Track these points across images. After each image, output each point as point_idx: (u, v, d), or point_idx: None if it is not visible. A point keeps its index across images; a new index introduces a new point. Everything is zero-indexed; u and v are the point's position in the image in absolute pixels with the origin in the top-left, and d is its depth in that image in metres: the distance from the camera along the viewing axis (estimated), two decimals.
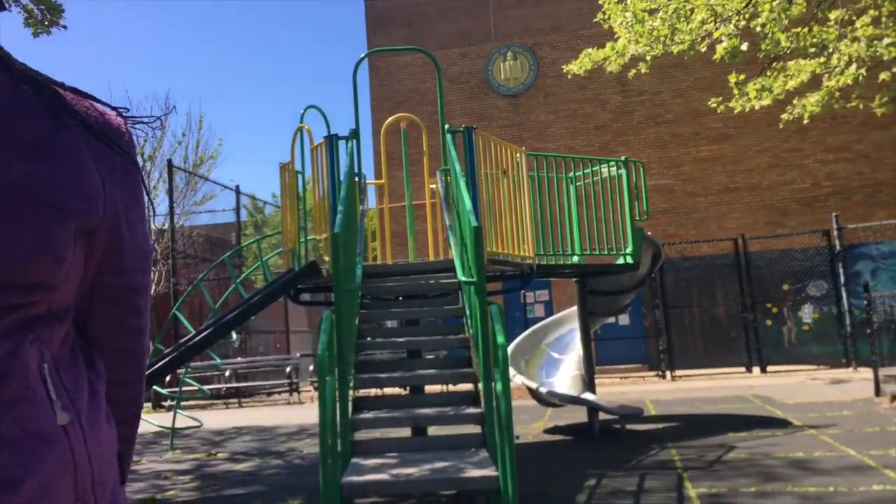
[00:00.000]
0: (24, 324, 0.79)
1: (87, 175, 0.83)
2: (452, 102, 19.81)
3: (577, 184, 8.40)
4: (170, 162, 18.34)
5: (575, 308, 9.71)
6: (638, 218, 8.19)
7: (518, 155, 7.10)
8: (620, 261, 8.27)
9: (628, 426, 8.59)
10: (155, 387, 9.65)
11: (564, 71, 12.71)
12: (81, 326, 0.91)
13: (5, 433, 0.74)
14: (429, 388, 6.86)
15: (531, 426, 9.33)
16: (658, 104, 19.15)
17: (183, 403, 11.05)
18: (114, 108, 0.90)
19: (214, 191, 20.08)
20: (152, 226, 18.62)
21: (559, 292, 18.20)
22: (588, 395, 8.47)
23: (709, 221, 18.40)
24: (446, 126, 6.67)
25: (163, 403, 16.27)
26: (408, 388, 6.81)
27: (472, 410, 4.86)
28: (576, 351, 9.50)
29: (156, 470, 7.93)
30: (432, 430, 6.30)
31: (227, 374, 17.93)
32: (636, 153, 17.23)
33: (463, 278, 5.36)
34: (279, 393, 19.14)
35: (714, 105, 12.20)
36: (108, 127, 0.89)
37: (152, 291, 18.06)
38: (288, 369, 17.90)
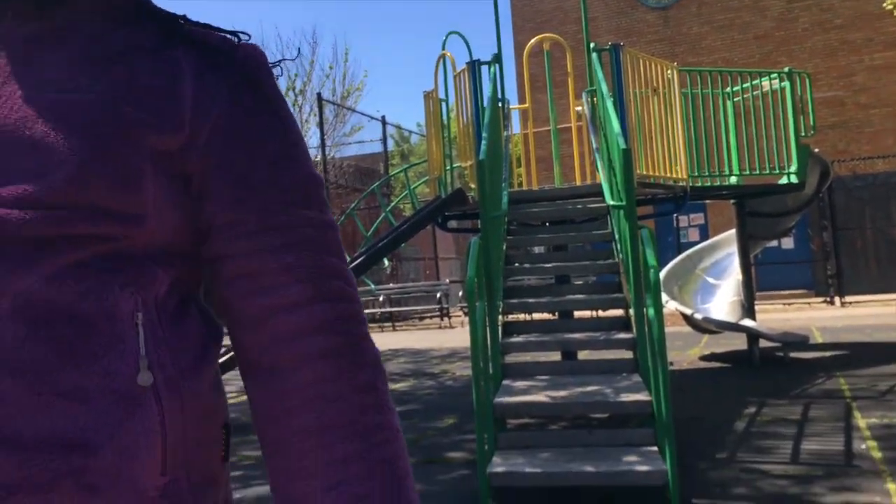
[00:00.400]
0: (110, 263, 0.69)
1: (170, 90, 0.73)
2: (598, 19, 19.02)
3: (735, 99, 7.89)
4: (319, 95, 18.91)
5: (732, 231, 9.26)
6: (803, 134, 7.60)
7: (669, 71, 6.73)
8: (784, 180, 7.75)
9: (792, 354, 8.20)
10: None
11: None
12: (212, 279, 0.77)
13: (87, 388, 0.65)
14: (577, 314, 6.83)
15: (686, 353, 9.12)
16: (825, 9, 17.48)
17: None
18: (230, 32, 0.80)
19: (362, 122, 20.61)
20: None
21: (715, 215, 17.41)
22: (747, 322, 8.13)
23: (883, 136, 16.82)
24: (591, 45, 6.41)
25: None
26: (556, 313, 6.81)
27: (623, 335, 4.80)
28: (734, 276, 9.11)
29: None
30: (582, 356, 6.30)
31: (380, 299, 18.68)
32: (801, 64, 15.92)
33: (611, 202, 5.22)
34: (430, 317, 19.76)
35: (890, 7, 10.98)
36: (212, 40, 0.79)
37: None
38: (438, 295, 18.40)
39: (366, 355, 0.74)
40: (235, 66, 0.78)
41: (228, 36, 0.80)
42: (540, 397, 4.12)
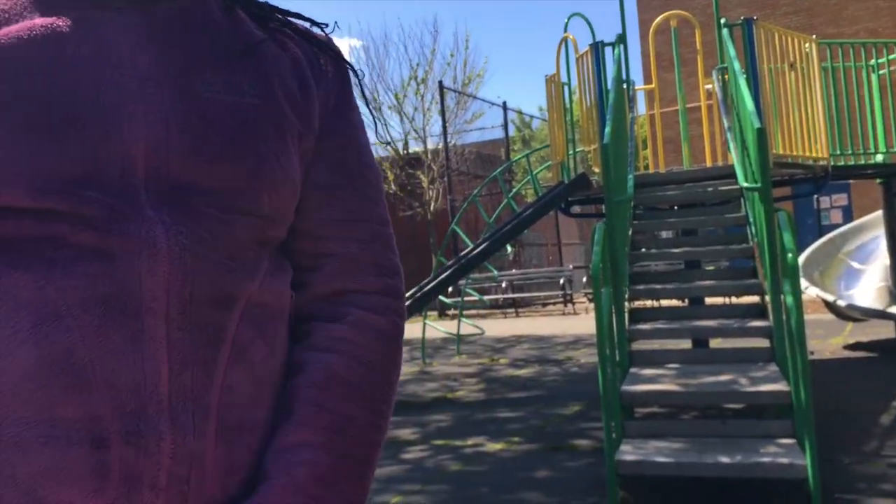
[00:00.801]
0: (277, 262, 0.75)
1: (306, 95, 0.77)
2: None
3: (881, 72, 7.35)
4: (441, 83, 19.10)
5: (878, 213, 8.66)
6: None
7: (807, 45, 6.36)
8: None
9: None
10: (440, 296, 10.39)
11: None
12: None
13: (281, 381, 0.73)
14: (709, 301, 6.61)
15: (827, 341, 8.64)
16: None
17: (465, 312, 11.79)
18: (314, 23, 0.83)
19: (483, 108, 20.55)
20: (429, 146, 19.72)
21: (860, 195, 16.31)
22: None
23: None
24: (722, 20, 6.15)
25: (447, 312, 17.49)
26: (686, 299, 6.61)
27: (758, 323, 4.60)
28: (881, 260, 8.53)
29: (446, 372, 8.61)
30: (714, 344, 6.10)
31: (503, 285, 18.73)
32: None
33: (745, 184, 5.01)
34: (553, 304, 19.64)
35: None
36: (313, 34, 0.83)
37: (431, 208, 19.30)
38: (561, 281, 18.26)
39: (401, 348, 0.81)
40: (339, 62, 0.83)
41: (319, 28, 0.83)
42: (670, 386, 4.03)
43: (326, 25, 0.84)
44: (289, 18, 0.81)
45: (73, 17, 0.68)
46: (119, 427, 0.62)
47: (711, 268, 6.52)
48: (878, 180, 8.07)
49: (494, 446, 4.87)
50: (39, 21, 0.66)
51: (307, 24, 0.83)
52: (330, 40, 0.83)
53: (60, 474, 0.61)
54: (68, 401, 0.61)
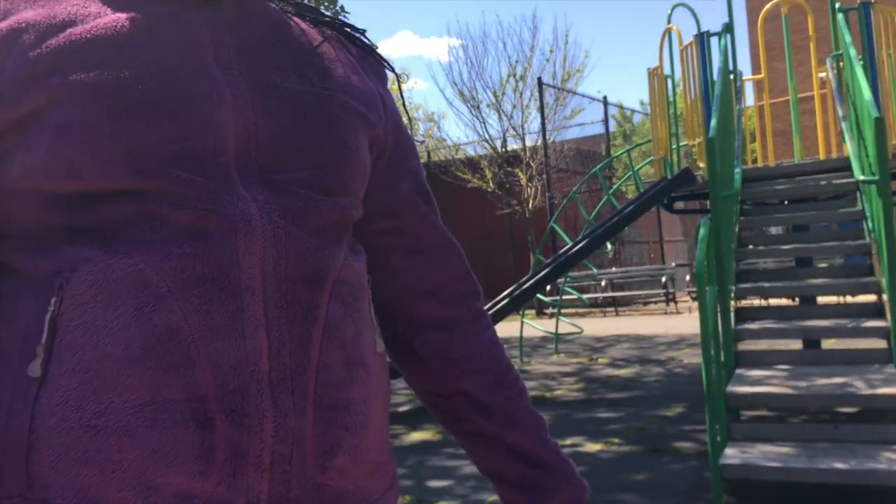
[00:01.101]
0: (353, 244, 0.79)
1: (368, 85, 0.83)
2: None
3: None
4: (539, 80, 18.97)
5: None
6: None
7: None
8: None
9: None
10: (538, 294, 10.33)
11: None
12: None
13: (367, 358, 0.74)
14: (821, 300, 6.30)
15: None
16: None
17: (563, 310, 11.68)
18: (356, 30, 0.88)
19: (582, 104, 20.26)
20: (527, 144, 19.63)
21: None
22: None
23: None
24: (836, 4, 5.85)
25: (545, 311, 17.38)
26: (796, 298, 6.32)
27: (875, 323, 4.36)
28: None
29: (544, 371, 8.57)
30: (826, 345, 5.82)
31: (602, 283, 18.44)
32: None
33: (862, 178, 4.75)
34: (655, 302, 19.19)
35: None
36: (360, 38, 0.88)
37: (530, 206, 19.19)
38: (663, 279, 17.82)
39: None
40: (384, 66, 0.89)
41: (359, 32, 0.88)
42: (778, 388, 3.87)
43: (365, 31, 0.88)
44: (337, 22, 0.86)
45: (156, 10, 0.71)
46: (223, 406, 0.63)
47: (824, 265, 6.22)
48: None
49: (593, 446, 4.81)
50: (124, 14, 0.69)
51: (351, 31, 0.87)
52: (375, 47, 0.89)
53: (168, 457, 0.62)
54: (173, 382, 0.62)
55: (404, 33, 79.35)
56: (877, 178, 3.95)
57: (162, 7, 0.71)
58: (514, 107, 19.72)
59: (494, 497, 3.85)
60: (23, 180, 0.65)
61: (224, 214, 0.65)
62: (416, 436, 5.53)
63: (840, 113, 5.72)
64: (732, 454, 3.53)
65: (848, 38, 5.16)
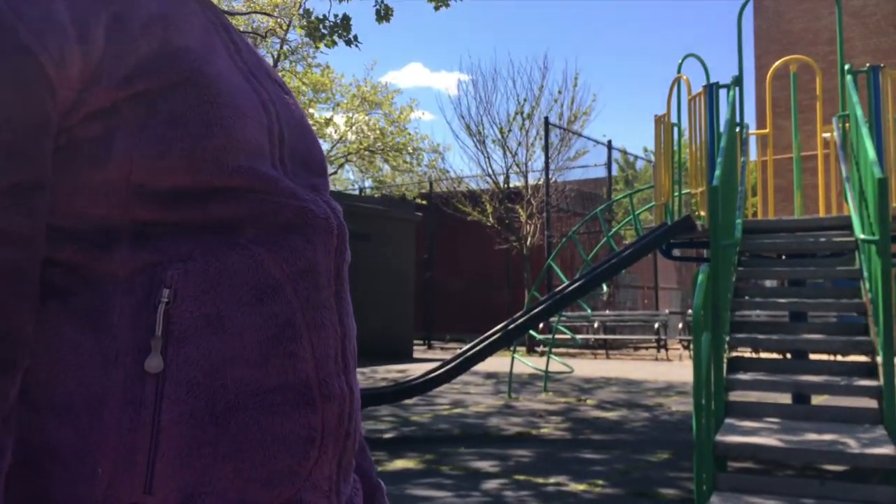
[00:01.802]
0: None
1: None
2: (852, 40, 17.53)
3: None
4: (546, 119, 19.13)
5: None
6: None
7: None
8: None
9: None
10: (531, 331, 10.31)
11: None
12: None
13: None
14: (812, 356, 6.30)
15: None
16: None
17: (554, 349, 11.65)
18: None
19: (587, 146, 20.40)
20: (529, 182, 19.74)
21: None
22: None
23: None
24: (846, 66, 5.94)
25: (536, 348, 17.33)
26: (786, 353, 6.33)
27: (866, 383, 4.36)
28: None
29: (531, 408, 8.52)
30: (816, 401, 5.80)
31: (595, 325, 18.43)
32: None
33: (862, 236, 4.78)
34: (646, 348, 19.15)
35: None
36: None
37: (528, 243, 19.18)
38: (656, 325, 17.81)
39: None
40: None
41: None
42: (768, 440, 3.86)
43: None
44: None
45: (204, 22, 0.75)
46: (320, 391, 0.68)
47: (819, 322, 6.23)
48: None
49: (577, 486, 4.77)
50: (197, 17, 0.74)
51: None
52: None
53: (286, 442, 0.65)
54: (288, 369, 0.66)
55: (415, 65, 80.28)
56: (877, 237, 3.98)
57: (208, 17, 0.76)
58: (520, 144, 19.86)
59: None
60: (120, 171, 0.63)
61: (315, 213, 0.70)
62: (399, 463, 5.48)
63: (843, 172, 5.78)
64: (717, 503, 3.50)
65: (856, 99, 5.24)
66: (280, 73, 21.52)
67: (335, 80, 22.15)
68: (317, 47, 9.96)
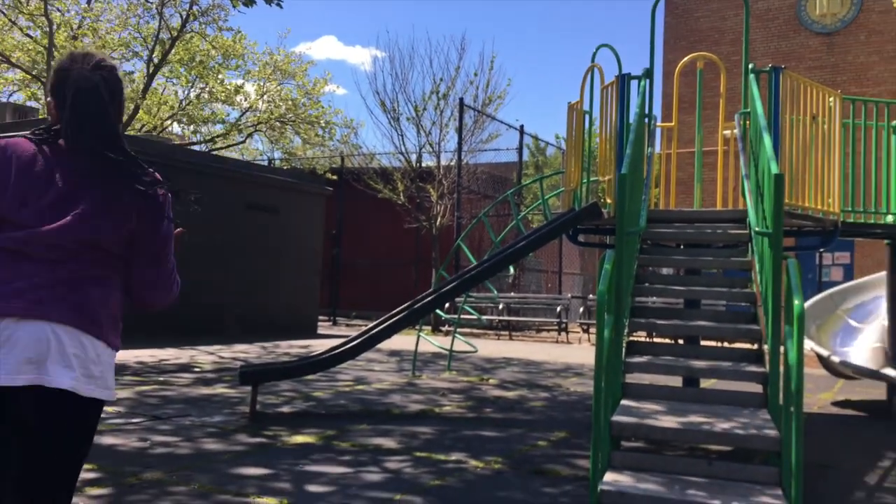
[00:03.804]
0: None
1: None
2: (755, 42, 18.30)
3: None
4: (461, 101, 19.16)
5: (882, 274, 8.66)
6: None
7: (831, 99, 6.39)
8: None
9: None
10: (437, 310, 10.36)
11: None
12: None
13: None
14: (703, 342, 6.59)
15: (817, 396, 8.61)
16: None
17: (460, 329, 11.75)
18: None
19: (500, 130, 20.58)
20: (442, 162, 19.79)
21: (863, 255, 16.33)
22: (890, 371, 7.58)
23: None
24: (750, 65, 6.18)
25: (441, 327, 17.45)
26: (679, 339, 6.58)
27: (754, 368, 4.59)
28: (879, 321, 8.51)
29: (433, 386, 8.57)
30: (705, 384, 6.07)
31: (500, 306, 18.70)
32: None
33: (757, 229, 5.01)
34: (548, 331, 19.60)
35: None
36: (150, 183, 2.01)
37: (437, 223, 19.12)
38: (559, 309, 18.23)
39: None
40: (151, 195, 2.18)
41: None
42: (660, 421, 4.01)
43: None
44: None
45: None
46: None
47: (711, 310, 6.50)
48: (885, 241, 8.06)
49: (475, 464, 4.84)
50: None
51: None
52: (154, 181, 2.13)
53: None
54: None
55: (328, 38, 78.64)
56: (771, 230, 4.17)
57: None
58: (434, 124, 19.84)
59: None
60: None
61: None
62: (298, 439, 5.41)
63: (743, 168, 6.02)
64: (611, 481, 3.62)
65: (757, 97, 5.45)
66: (188, 35, 20.53)
67: (247, 47, 21.50)
68: (234, 5, 9.57)
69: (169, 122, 22.62)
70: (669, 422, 4.00)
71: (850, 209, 6.95)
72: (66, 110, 1.93)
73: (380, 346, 9.13)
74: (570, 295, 20.56)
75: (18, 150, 1.93)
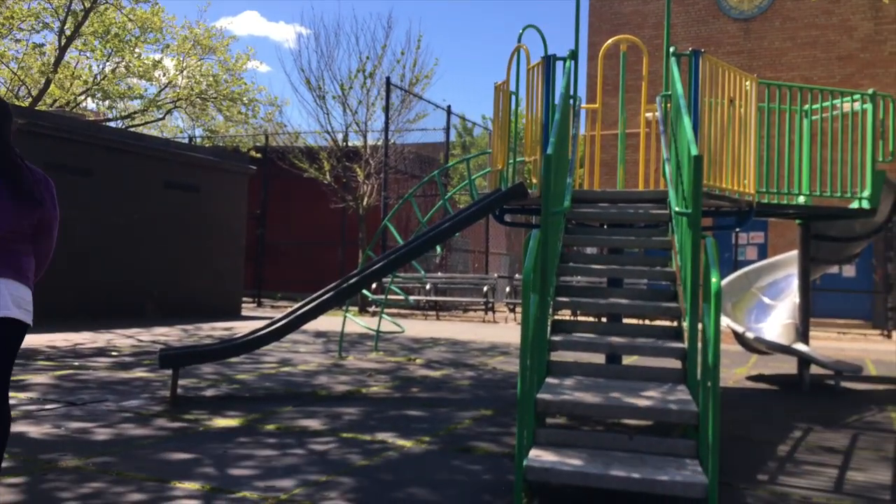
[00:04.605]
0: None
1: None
2: (676, 26, 18.70)
3: (813, 118, 7.67)
4: (388, 80, 18.99)
5: (794, 253, 9.04)
6: (881, 159, 7.37)
7: (748, 83, 6.59)
8: (854, 205, 7.52)
9: (843, 384, 7.97)
10: (364, 291, 10.29)
11: None
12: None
13: None
14: (625, 319, 6.74)
15: (732, 371, 8.95)
16: None
17: (387, 310, 11.72)
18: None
19: (427, 110, 20.50)
20: (368, 142, 19.61)
21: (777, 235, 17.01)
22: (800, 346, 7.93)
23: None
24: (671, 49, 6.30)
25: (368, 308, 17.37)
26: (602, 317, 6.72)
27: (673, 345, 4.72)
28: (791, 298, 8.89)
29: (360, 367, 8.53)
30: (627, 361, 6.22)
31: (427, 286, 18.73)
32: (885, 88, 15.40)
33: (677, 209, 5.13)
34: (475, 310, 19.76)
35: None
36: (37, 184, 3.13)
37: (364, 203, 18.95)
38: (485, 288, 18.38)
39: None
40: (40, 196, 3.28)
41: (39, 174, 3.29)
42: (584, 397, 4.08)
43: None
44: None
45: None
46: None
47: (633, 288, 6.65)
48: (797, 221, 8.41)
49: (403, 443, 4.84)
50: None
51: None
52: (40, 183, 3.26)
53: None
54: None
55: (250, 13, 76.59)
56: (690, 211, 4.28)
57: None
58: (360, 103, 19.61)
59: (298, 488, 3.76)
60: None
61: None
62: (221, 422, 5.31)
63: (664, 149, 6.15)
64: (536, 457, 3.66)
65: (678, 80, 5.57)
66: (103, 7, 19.66)
67: (166, 20, 20.74)
68: None
69: (83, 97, 21.67)
70: (592, 398, 4.08)
71: (764, 190, 7.20)
72: None
73: (306, 327, 9.02)
74: (496, 275, 20.76)
75: None
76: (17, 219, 3.03)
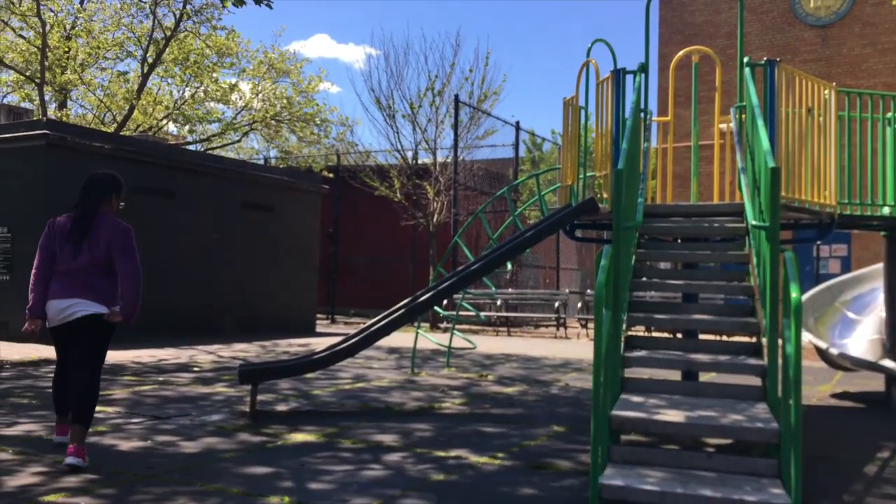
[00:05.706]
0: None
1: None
2: (750, 35, 18.31)
3: None
4: (456, 97, 19.16)
5: (879, 266, 8.68)
6: None
7: (826, 92, 6.41)
8: None
9: None
10: (435, 307, 10.37)
11: None
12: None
13: None
14: (701, 336, 6.60)
15: (816, 388, 8.64)
16: None
17: (458, 326, 11.76)
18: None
19: (495, 126, 20.56)
20: (438, 159, 19.79)
21: (861, 248, 16.37)
22: (888, 362, 7.61)
23: None
24: (745, 59, 6.19)
25: (440, 324, 17.46)
26: (678, 333, 6.60)
27: (752, 361, 4.61)
28: (876, 313, 8.54)
29: (433, 383, 8.59)
30: (704, 378, 6.09)
31: (498, 302, 18.71)
32: None
33: (753, 223, 5.02)
34: (546, 326, 19.62)
35: None
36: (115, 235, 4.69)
37: (434, 220, 19.07)
38: (556, 304, 18.25)
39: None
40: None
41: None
42: (660, 415, 4.02)
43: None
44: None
45: None
46: None
47: (709, 303, 6.52)
48: (882, 233, 8.09)
49: (477, 459, 4.85)
50: None
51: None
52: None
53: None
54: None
55: (321, 36, 78.58)
56: (768, 224, 4.19)
57: None
58: (429, 121, 19.84)
59: (376, 500, 3.81)
60: None
61: None
62: (299, 437, 5.43)
63: (739, 161, 6.03)
64: (611, 475, 3.63)
65: (753, 91, 5.46)
66: (182, 35, 20.47)
67: (241, 45, 21.46)
68: (224, 4, 9.56)
69: (164, 121, 22.58)
70: (669, 416, 4.02)
71: (846, 201, 6.97)
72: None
73: (378, 343, 9.14)
74: (567, 290, 20.59)
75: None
76: (89, 256, 4.56)
